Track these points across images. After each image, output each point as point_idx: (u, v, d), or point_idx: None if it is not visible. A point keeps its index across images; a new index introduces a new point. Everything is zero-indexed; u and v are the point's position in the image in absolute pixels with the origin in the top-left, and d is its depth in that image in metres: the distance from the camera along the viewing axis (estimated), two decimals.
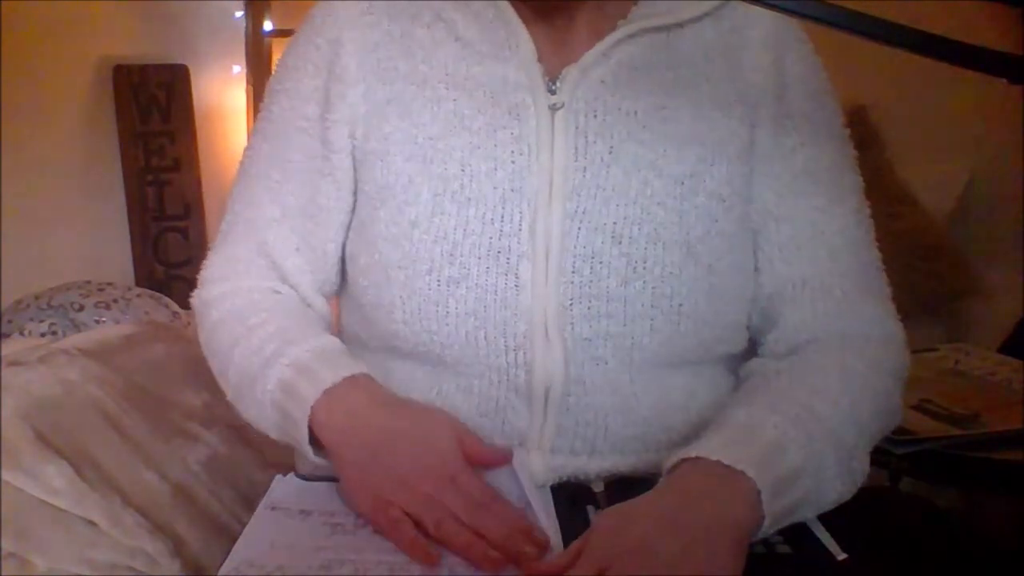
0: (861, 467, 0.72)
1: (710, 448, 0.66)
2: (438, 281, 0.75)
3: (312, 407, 0.72)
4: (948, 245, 2.02)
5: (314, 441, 0.74)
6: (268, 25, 2.40)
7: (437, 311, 0.76)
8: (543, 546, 0.65)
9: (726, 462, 0.65)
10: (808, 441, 0.68)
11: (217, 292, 0.85)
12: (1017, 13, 1.59)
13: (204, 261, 0.89)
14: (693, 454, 0.66)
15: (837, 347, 0.79)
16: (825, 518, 0.70)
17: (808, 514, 0.69)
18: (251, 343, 0.79)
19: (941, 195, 2.11)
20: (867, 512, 0.72)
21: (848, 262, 0.81)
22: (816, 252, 0.80)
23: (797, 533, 0.68)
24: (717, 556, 0.61)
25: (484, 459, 0.73)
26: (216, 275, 0.86)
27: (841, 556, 0.65)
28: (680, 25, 0.80)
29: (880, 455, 0.78)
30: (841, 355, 0.77)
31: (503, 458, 0.74)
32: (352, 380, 0.74)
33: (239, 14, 2.44)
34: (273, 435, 0.79)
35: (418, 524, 0.67)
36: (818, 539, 0.67)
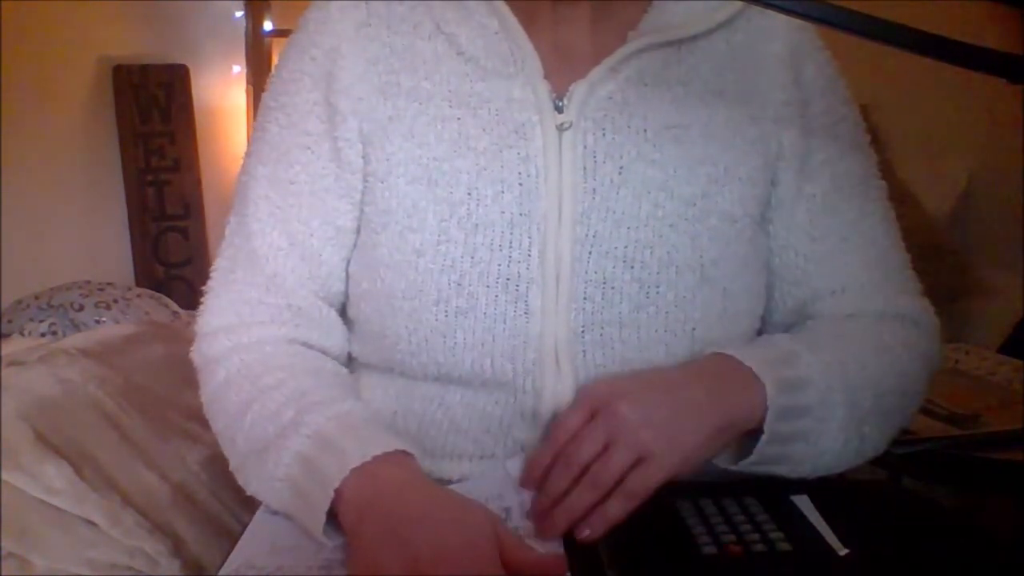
0: (872, 436, 0.74)
1: (744, 355, 0.70)
2: (445, 312, 0.73)
3: (338, 490, 0.64)
4: (948, 245, 2.03)
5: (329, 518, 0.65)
6: (268, 25, 2.41)
7: (444, 342, 0.73)
8: None
9: (755, 371, 0.69)
10: (827, 389, 0.71)
11: (223, 346, 0.77)
12: (1017, 13, 1.59)
13: (201, 307, 0.80)
14: (729, 352, 0.71)
15: (876, 322, 0.80)
16: (826, 513, 0.70)
17: (804, 454, 0.71)
18: (265, 407, 0.71)
19: (941, 195, 2.12)
20: (869, 507, 0.72)
21: (882, 268, 0.82)
22: (850, 265, 0.80)
23: (798, 529, 0.68)
24: (693, 428, 0.67)
25: (525, 568, 0.61)
26: (220, 324, 0.78)
27: (843, 551, 0.65)
28: (693, 38, 0.77)
29: (881, 455, 0.78)
30: (879, 329, 0.79)
31: (551, 571, 0.62)
32: (385, 458, 0.65)
33: (239, 14, 2.44)
34: (276, 508, 0.71)
35: None
36: (819, 535, 0.67)
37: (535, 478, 0.69)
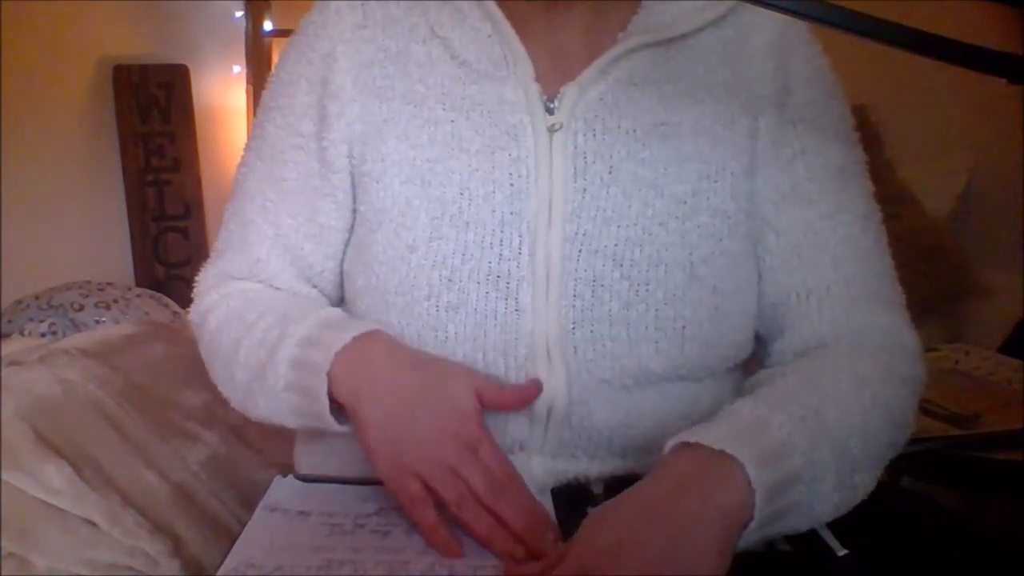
0: (864, 482, 0.69)
1: (711, 438, 0.63)
2: (437, 307, 0.74)
3: (328, 373, 0.71)
4: (948, 245, 2.02)
5: (335, 410, 0.73)
6: (268, 25, 2.41)
7: (436, 336, 0.75)
8: (559, 538, 0.67)
9: (728, 452, 0.62)
10: (811, 448, 0.65)
11: (212, 299, 0.83)
12: (1017, 13, 1.59)
13: (197, 277, 0.87)
14: (693, 439, 0.64)
15: (849, 353, 0.76)
16: None
17: (798, 523, 0.66)
18: (253, 337, 0.77)
19: (941, 195, 2.12)
20: (868, 508, 0.71)
21: (854, 270, 0.78)
22: (819, 261, 0.78)
23: None
24: (700, 549, 0.59)
25: (507, 405, 0.73)
26: (210, 285, 0.85)
27: (842, 552, 0.65)
28: (682, 37, 0.77)
29: None
30: (854, 361, 0.74)
31: (528, 398, 0.73)
32: (364, 337, 0.73)
33: (239, 14, 2.44)
34: (291, 423, 0.77)
35: (436, 495, 0.68)
36: (818, 536, 0.67)
37: None
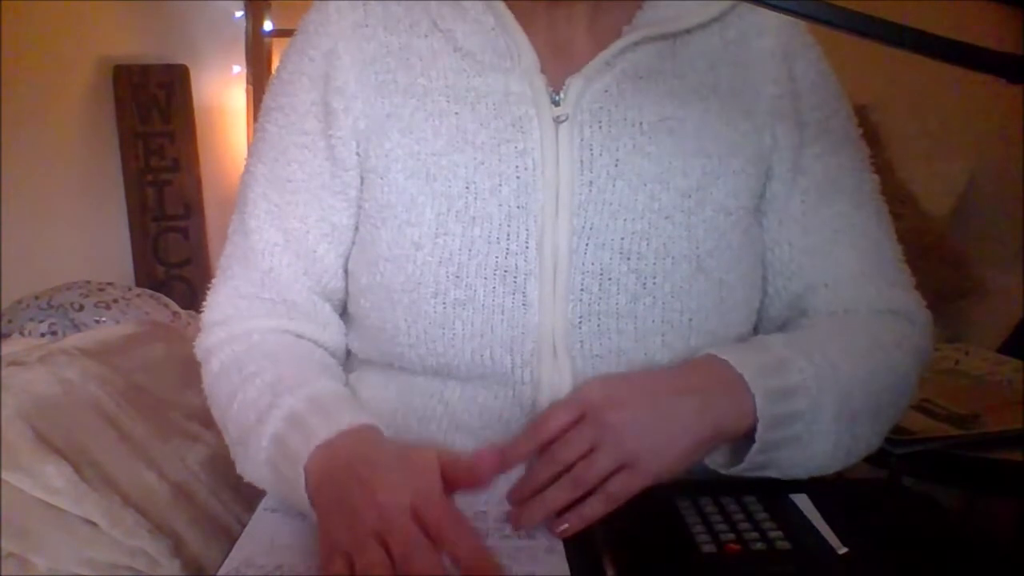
0: (864, 436, 0.75)
1: (737, 359, 0.71)
2: (444, 304, 0.74)
3: (305, 467, 0.65)
4: (948, 245, 2.02)
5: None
6: (268, 25, 2.41)
7: (443, 333, 0.74)
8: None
9: (747, 379, 0.69)
10: (819, 393, 0.71)
11: (217, 338, 0.79)
12: (1017, 13, 1.59)
13: (205, 302, 0.82)
14: (723, 356, 0.71)
15: (868, 318, 0.80)
16: (825, 512, 0.70)
17: (794, 456, 0.72)
18: (247, 394, 0.73)
19: (941, 195, 2.12)
20: (868, 506, 0.73)
21: (874, 259, 0.83)
22: (844, 254, 0.81)
23: (797, 528, 0.68)
24: (676, 441, 0.67)
25: (463, 481, 0.62)
26: (218, 318, 0.80)
27: (842, 550, 0.65)
28: (687, 31, 0.78)
29: (880, 455, 0.78)
30: (872, 325, 0.79)
31: (484, 474, 0.61)
32: (348, 433, 0.66)
33: (239, 14, 2.44)
34: (270, 492, 0.74)
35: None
36: (818, 533, 0.67)
37: (511, 462, 0.69)
